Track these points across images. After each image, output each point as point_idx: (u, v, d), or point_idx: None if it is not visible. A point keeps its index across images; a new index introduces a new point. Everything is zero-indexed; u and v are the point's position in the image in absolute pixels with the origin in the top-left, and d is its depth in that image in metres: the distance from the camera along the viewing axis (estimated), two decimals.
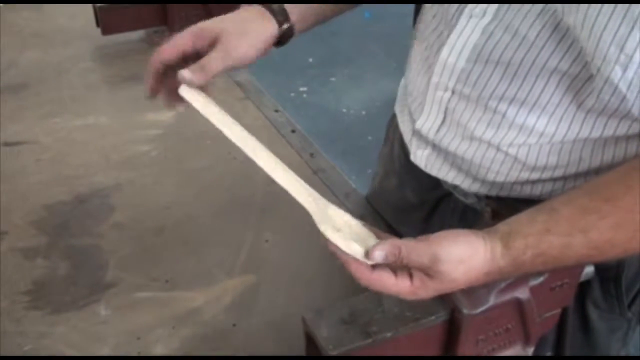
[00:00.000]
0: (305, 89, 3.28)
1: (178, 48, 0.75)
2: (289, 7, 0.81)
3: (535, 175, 0.77)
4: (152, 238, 0.95)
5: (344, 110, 3.13)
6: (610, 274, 0.83)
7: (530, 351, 0.74)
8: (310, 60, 3.50)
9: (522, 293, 0.69)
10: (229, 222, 0.98)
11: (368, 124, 2.97)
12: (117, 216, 0.99)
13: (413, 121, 0.86)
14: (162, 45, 0.75)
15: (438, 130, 0.82)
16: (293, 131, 1.17)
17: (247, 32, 0.77)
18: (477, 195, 0.84)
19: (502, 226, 0.65)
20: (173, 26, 1.44)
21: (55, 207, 1.00)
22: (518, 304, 0.69)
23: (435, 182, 0.88)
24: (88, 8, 1.45)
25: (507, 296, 0.68)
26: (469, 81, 0.75)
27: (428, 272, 0.62)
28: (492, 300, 0.67)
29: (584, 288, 0.82)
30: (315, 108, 3.11)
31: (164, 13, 1.43)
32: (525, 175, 0.78)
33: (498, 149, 0.77)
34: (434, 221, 0.93)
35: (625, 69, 0.62)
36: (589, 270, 0.76)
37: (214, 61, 0.74)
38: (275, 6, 0.80)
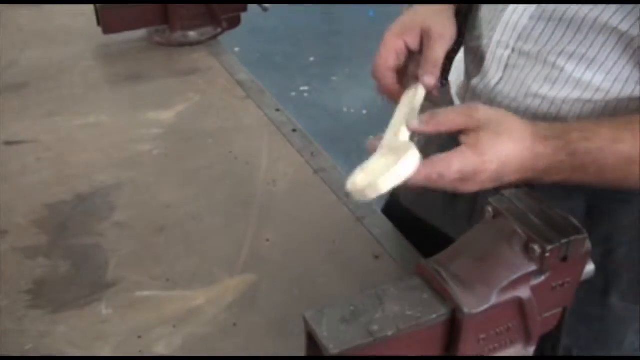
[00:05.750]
0: (306, 88, 3.28)
1: (394, 51, 0.85)
2: None
3: None
4: (153, 237, 0.95)
5: (345, 109, 3.13)
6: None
7: (531, 351, 0.74)
8: (312, 59, 3.50)
9: (524, 292, 0.69)
10: (230, 221, 0.98)
11: (369, 123, 2.97)
12: (118, 215, 0.99)
13: (469, 78, 0.90)
14: (379, 56, 0.87)
15: (495, 87, 0.85)
16: (294, 130, 1.17)
17: (439, 10, 0.86)
18: None
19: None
20: (174, 25, 1.44)
21: (56, 206, 1.00)
22: (519, 303, 0.69)
23: None
24: (89, 7, 1.45)
25: (508, 295, 0.68)
26: (531, 38, 0.79)
27: (468, 114, 0.69)
28: (494, 299, 0.67)
29: (609, 278, 0.85)
30: (316, 107, 3.12)
31: (165, 12, 1.43)
32: None
33: (552, 103, 0.80)
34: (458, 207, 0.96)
35: None
36: (589, 269, 0.76)
37: (438, 51, 0.83)
38: None
